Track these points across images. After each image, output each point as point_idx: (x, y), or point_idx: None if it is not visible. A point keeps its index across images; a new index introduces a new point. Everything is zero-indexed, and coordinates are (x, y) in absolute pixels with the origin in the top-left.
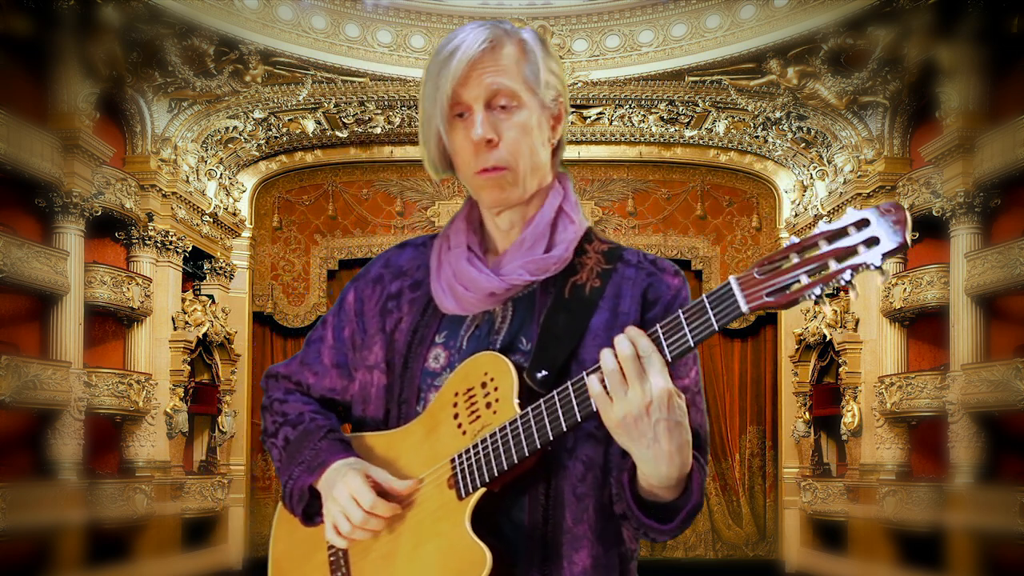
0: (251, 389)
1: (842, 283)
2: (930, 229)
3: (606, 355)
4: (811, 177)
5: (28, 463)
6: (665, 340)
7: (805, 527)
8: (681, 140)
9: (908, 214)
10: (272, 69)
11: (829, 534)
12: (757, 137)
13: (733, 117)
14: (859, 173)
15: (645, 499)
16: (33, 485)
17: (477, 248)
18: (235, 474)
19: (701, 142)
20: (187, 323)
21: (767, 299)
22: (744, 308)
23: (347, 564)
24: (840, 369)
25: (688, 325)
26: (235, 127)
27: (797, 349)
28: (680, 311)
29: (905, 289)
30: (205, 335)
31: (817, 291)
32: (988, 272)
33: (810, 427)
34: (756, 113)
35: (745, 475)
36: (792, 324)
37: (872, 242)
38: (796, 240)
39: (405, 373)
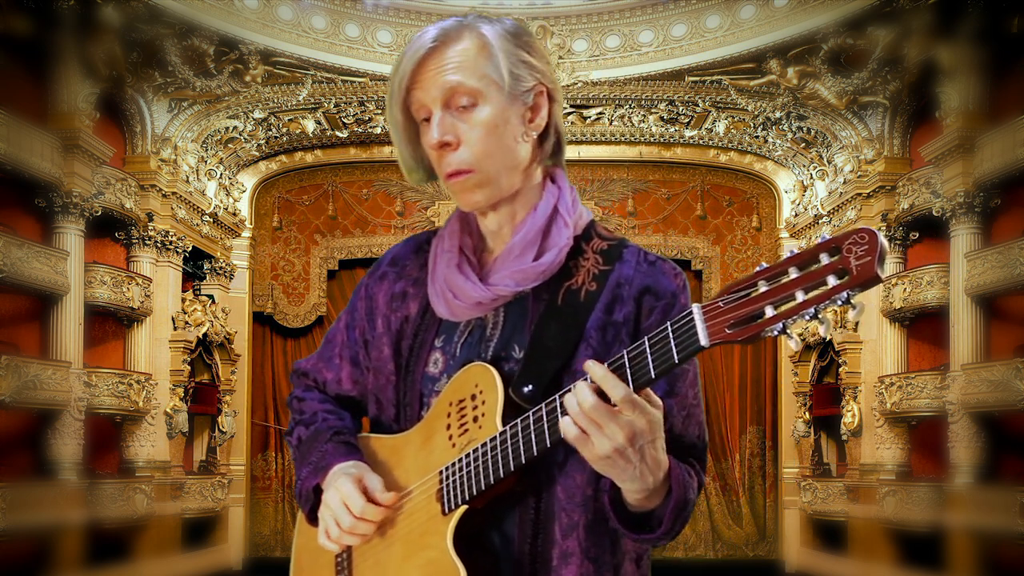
0: (251, 389)
1: (806, 318)
2: (930, 229)
3: (569, 400)
4: (811, 177)
5: (28, 463)
6: (631, 371)
7: (805, 527)
8: (681, 140)
9: (882, 241)
10: (272, 69)
11: (829, 534)
12: (757, 137)
13: (733, 117)
14: (859, 173)
15: (633, 512)
16: (33, 485)
17: (470, 251)
18: (235, 474)
19: (701, 142)
20: (187, 323)
21: (728, 332)
22: (704, 342)
23: (350, 566)
24: (840, 369)
25: (651, 355)
26: (235, 127)
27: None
28: (646, 339)
29: (905, 289)
30: (205, 335)
31: (779, 327)
32: (988, 272)
33: (810, 427)
34: (756, 113)
35: (745, 475)
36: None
37: (842, 272)
38: (766, 265)
39: (408, 376)
